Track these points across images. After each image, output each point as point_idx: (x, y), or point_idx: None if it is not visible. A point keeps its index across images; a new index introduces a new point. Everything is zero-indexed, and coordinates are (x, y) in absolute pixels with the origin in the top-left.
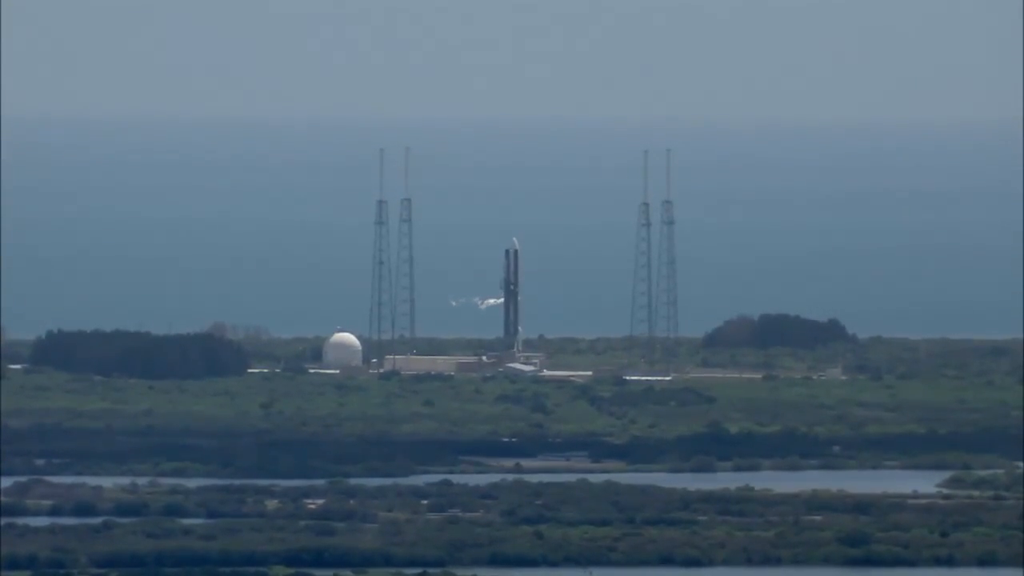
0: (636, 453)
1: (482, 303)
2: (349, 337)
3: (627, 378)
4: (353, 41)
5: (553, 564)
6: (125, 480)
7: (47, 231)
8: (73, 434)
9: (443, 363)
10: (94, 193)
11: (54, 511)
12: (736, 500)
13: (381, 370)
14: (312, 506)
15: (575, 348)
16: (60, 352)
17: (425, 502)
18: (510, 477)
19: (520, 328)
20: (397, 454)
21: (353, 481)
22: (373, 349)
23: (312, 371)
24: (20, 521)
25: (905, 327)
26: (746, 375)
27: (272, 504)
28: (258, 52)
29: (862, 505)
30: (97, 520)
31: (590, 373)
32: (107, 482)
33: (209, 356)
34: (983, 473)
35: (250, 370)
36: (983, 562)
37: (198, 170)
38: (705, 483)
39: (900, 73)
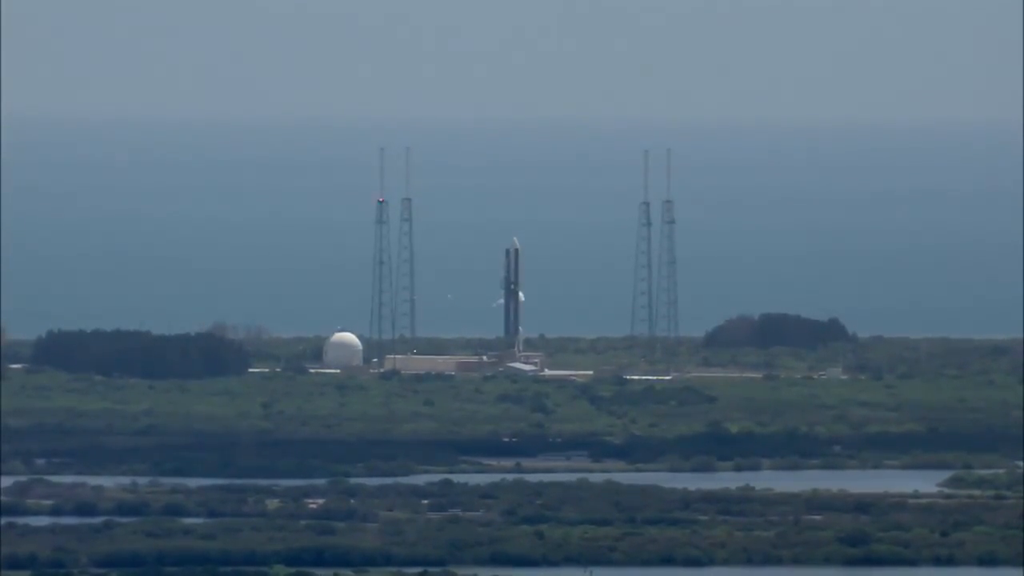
0: (636, 453)
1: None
2: (350, 337)
3: (627, 378)
4: (353, 41)
5: (553, 564)
6: (126, 480)
7: (47, 231)
8: (73, 434)
9: (443, 363)
10: (94, 193)
11: (55, 511)
12: (736, 500)
13: (382, 370)
14: (313, 506)
15: (576, 347)
16: (60, 352)
17: (426, 502)
18: (510, 477)
19: (521, 327)
20: (398, 454)
21: (354, 481)
22: (374, 349)
23: (313, 371)
24: (21, 521)
25: (905, 327)
26: (747, 375)
27: (273, 504)
28: (258, 52)
29: (862, 505)
30: (98, 520)
31: (591, 373)
32: (107, 482)
33: (210, 356)
34: (984, 473)
35: (251, 370)
36: (983, 562)
37: (198, 170)
38: (705, 483)
39: (900, 73)
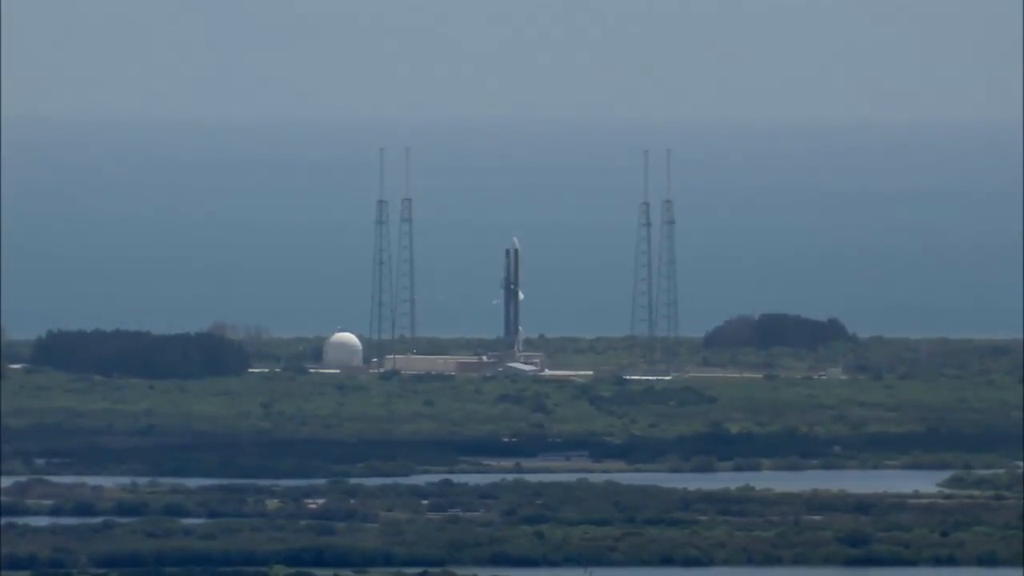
0: (636, 453)
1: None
2: (350, 337)
3: (627, 378)
4: (354, 41)
5: (553, 564)
6: (125, 480)
7: (47, 231)
8: (73, 434)
9: (443, 363)
10: (94, 193)
11: (54, 511)
12: (736, 500)
13: (381, 370)
14: (313, 506)
15: (575, 348)
16: (60, 352)
17: (425, 502)
18: (510, 477)
19: (520, 328)
20: (397, 454)
21: (353, 481)
22: (373, 349)
23: (312, 371)
24: (20, 521)
25: (905, 327)
26: (746, 375)
27: (273, 504)
28: (258, 52)
29: (862, 505)
30: (97, 520)
31: (590, 373)
32: (107, 482)
33: (209, 356)
34: (984, 473)
35: (250, 370)
36: (983, 562)
37: (199, 170)
38: (705, 483)
39: (900, 73)
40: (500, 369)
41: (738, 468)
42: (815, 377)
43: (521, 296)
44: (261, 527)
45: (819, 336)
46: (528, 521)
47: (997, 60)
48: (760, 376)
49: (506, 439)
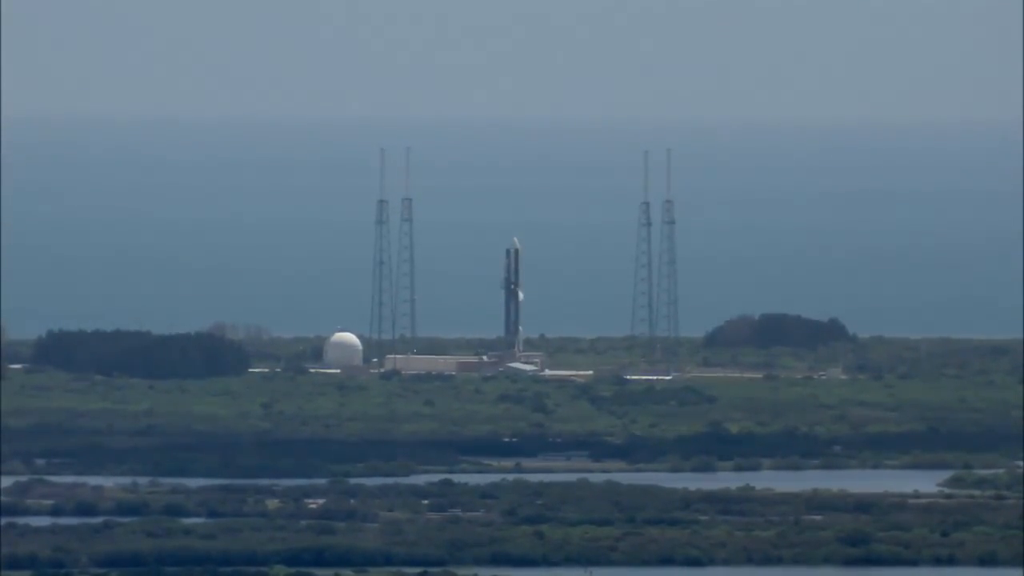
0: (636, 453)
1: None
2: (350, 337)
3: (628, 378)
4: (353, 41)
5: (553, 564)
6: (126, 480)
7: (47, 231)
8: (73, 434)
9: (444, 363)
10: (94, 193)
11: (55, 511)
12: (737, 500)
13: (382, 370)
14: (313, 506)
15: (576, 347)
16: (61, 352)
17: (426, 502)
18: (510, 477)
19: (521, 327)
20: (398, 454)
21: (354, 481)
22: (374, 349)
23: (313, 371)
24: (21, 521)
25: (905, 327)
26: (747, 375)
27: (273, 504)
28: (259, 52)
29: (863, 505)
30: (98, 520)
31: (591, 373)
32: (108, 482)
33: (210, 356)
34: (984, 472)
35: (251, 370)
36: (984, 562)
37: (199, 170)
38: (706, 483)
39: (900, 73)
40: (500, 369)
41: (738, 468)
42: (815, 377)
43: (521, 296)
44: (261, 527)
45: (819, 336)
46: (528, 521)
47: (997, 60)
48: (760, 376)
49: (506, 439)
